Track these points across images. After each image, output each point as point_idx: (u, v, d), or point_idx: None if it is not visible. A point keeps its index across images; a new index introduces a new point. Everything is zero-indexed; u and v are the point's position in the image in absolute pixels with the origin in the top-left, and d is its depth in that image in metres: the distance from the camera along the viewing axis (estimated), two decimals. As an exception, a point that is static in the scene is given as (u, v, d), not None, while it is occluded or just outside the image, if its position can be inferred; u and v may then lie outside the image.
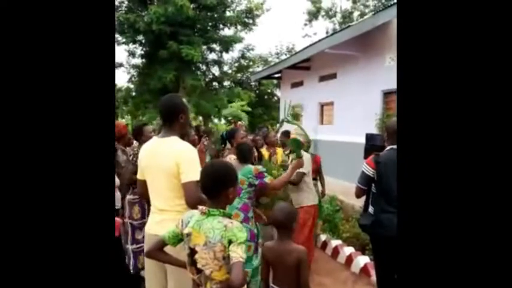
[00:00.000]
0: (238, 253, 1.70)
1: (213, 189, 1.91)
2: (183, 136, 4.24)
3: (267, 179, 3.24)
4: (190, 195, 2.25)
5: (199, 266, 1.83)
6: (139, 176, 2.52)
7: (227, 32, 17.82)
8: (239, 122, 5.56)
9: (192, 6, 15.35)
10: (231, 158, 3.91)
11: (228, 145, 4.81)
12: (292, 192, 4.32)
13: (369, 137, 3.34)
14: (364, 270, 4.39)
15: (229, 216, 1.89)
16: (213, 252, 1.78)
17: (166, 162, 2.28)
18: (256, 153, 4.34)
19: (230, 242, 1.74)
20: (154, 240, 2.01)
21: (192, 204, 2.28)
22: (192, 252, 1.85)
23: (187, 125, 2.56)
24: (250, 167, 3.27)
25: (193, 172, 2.26)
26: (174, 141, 2.35)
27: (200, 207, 1.90)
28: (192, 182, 2.25)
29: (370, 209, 3.08)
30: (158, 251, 1.99)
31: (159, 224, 2.34)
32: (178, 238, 1.93)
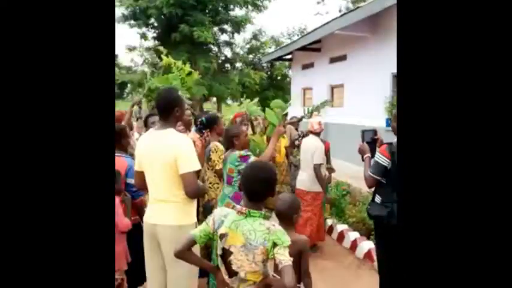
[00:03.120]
0: (286, 256, 1.69)
1: (262, 193, 1.85)
2: (187, 127, 4.21)
3: (252, 159, 3.17)
4: (189, 185, 2.32)
5: (234, 267, 1.78)
6: (137, 168, 2.58)
7: (238, 12, 17.66)
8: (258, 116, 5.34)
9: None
10: (217, 145, 3.69)
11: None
12: (302, 178, 4.63)
13: (363, 134, 3.30)
14: (368, 255, 4.43)
15: (267, 218, 1.83)
16: (252, 254, 1.74)
17: (163, 153, 2.34)
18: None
19: (275, 244, 1.72)
20: (185, 240, 1.90)
21: (191, 194, 2.36)
22: (226, 252, 1.80)
23: (182, 117, 2.61)
24: (235, 153, 3.23)
25: (190, 163, 2.34)
26: (171, 133, 2.40)
27: (238, 206, 1.84)
28: (190, 173, 2.32)
29: (377, 199, 3.06)
30: (188, 251, 1.89)
31: (157, 214, 2.42)
32: (208, 237, 1.88)
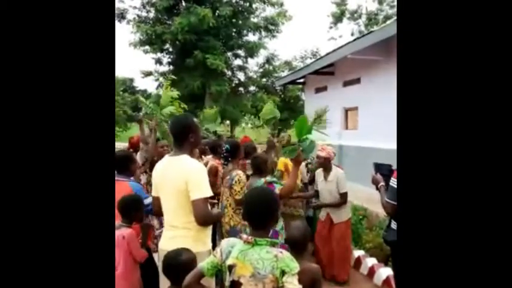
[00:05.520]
0: (295, 284, 1.67)
1: (262, 218, 1.84)
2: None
3: (277, 189, 3.14)
4: (199, 212, 2.30)
5: None
6: (153, 193, 2.59)
7: (251, 37, 18.00)
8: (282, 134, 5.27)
9: (216, 14, 15.63)
10: (240, 176, 3.76)
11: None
12: (332, 209, 4.53)
13: (376, 167, 3.27)
14: (387, 282, 4.30)
15: (275, 245, 1.81)
16: (262, 283, 1.71)
17: (175, 180, 2.34)
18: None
19: (283, 272, 1.69)
20: (193, 273, 1.89)
21: (200, 221, 2.33)
22: (235, 284, 1.76)
23: (198, 144, 2.64)
24: (261, 180, 3.25)
25: (201, 190, 2.32)
26: (184, 159, 2.40)
27: (244, 236, 1.82)
28: (201, 200, 2.31)
29: (394, 225, 3.00)
30: (196, 285, 1.88)
31: (170, 241, 2.40)
32: (217, 269, 1.86)
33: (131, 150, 4.53)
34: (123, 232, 2.68)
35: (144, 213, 2.87)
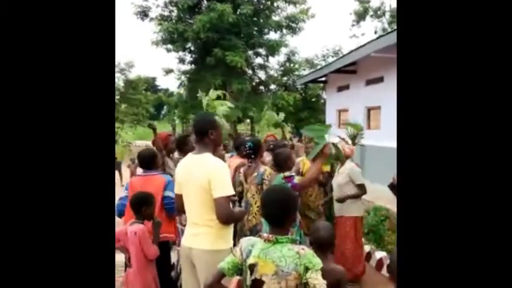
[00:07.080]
0: (319, 279, 1.68)
1: (281, 216, 1.84)
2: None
3: (296, 180, 3.12)
4: (221, 210, 2.31)
5: None
6: (176, 191, 2.61)
7: (273, 36, 17.96)
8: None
9: (237, 12, 15.70)
10: (271, 172, 3.60)
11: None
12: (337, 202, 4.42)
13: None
14: (409, 285, 4.22)
15: (295, 242, 1.82)
16: (285, 281, 1.72)
17: (198, 178, 2.36)
18: None
19: (307, 269, 1.70)
20: (215, 273, 1.89)
21: (222, 220, 2.35)
22: (257, 282, 1.77)
23: (220, 141, 2.65)
24: (280, 175, 3.23)
25: (224, 188, 2.33)
26: (207, 157, 2.42)
27: (265, 234, 1.83)
28: (223, 198, 2.32)
29: None
30: (218, 284, 1.89)
31: (193, 237, 2.44)
32: (237, 268, 1.86)
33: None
34: (135, 228, 2.71)
35: (152, 210, 2.92)
